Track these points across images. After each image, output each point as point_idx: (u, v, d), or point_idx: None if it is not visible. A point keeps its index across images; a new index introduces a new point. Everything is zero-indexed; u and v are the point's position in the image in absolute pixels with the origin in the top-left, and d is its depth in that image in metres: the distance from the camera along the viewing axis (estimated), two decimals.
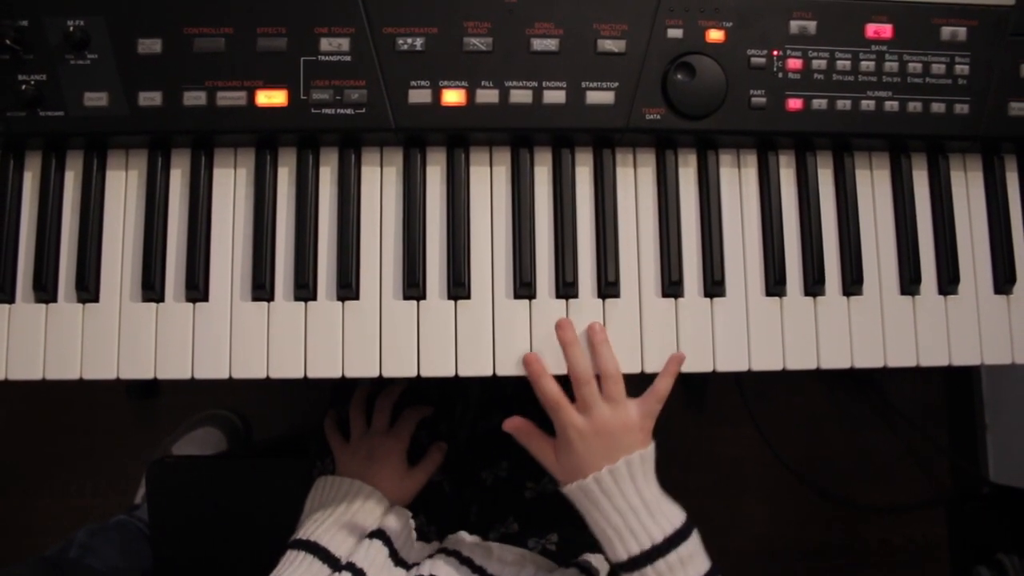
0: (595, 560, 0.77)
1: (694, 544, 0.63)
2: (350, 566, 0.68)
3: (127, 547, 1.02)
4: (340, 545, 0.71)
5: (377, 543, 0.71)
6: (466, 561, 0.69)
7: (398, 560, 0.71)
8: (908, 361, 0.72)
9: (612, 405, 0.66)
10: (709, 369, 0.70)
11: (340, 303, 0.68)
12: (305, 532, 0.72)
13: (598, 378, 0.67)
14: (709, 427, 1.52)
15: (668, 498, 0.65)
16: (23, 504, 1.46)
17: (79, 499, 1.46)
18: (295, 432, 1.46)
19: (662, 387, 0.68)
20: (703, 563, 0.63)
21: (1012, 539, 1.36)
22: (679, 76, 0.68)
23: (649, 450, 0.66)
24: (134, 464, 1.45)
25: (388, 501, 0.76)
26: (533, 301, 0.69)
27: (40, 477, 1.46)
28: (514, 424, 0.69)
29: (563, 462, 0.66)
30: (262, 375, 0.67)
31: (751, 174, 0.73)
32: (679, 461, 1.49)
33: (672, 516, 0.64)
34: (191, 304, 0.68)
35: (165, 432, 1.45)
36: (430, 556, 0.71)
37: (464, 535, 0.76)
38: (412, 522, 0.77)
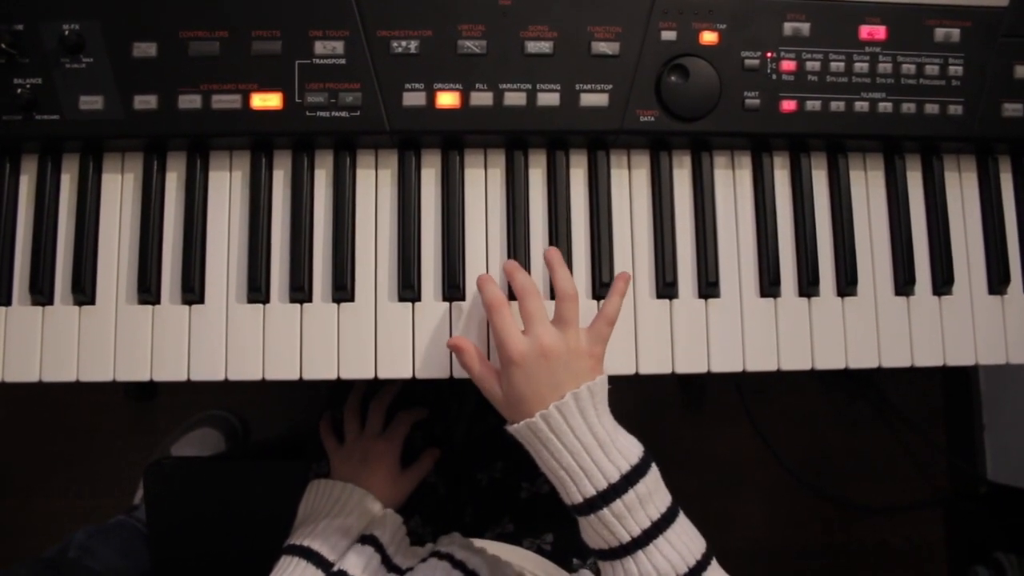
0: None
1: (652, 481, 0.59)
2: (341, 573, 0.68)
3: (126, 548, 1.03)
4: (333, 550, 0.70)
5: (368, 549, 0.71)
6: (459, 565, 0.69)
7: (391, 566, 0.71)
8: (903, 362, 0.72)
9: (561, 326, 0.61)
10: (704, 370, 0.70)
11: (335, 305, 0.69)
12: (298, 537, 0.72)
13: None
14: (707, 427, 1.52)
15: (623, 432, 0.61)
16: (22, 505, 1.46)
17: (78, 500, 1.46)
18: (294, 433, 1.46)
19: (611, 309, 0.64)
20: (662, 500, 0.59)
21: (1010, 539, 1.37)
22: (673, 78, 0.68)
23: (599, 381, 0.60)
24: (133, 465, 1.45)
25: (381, 504, 0.77)
26: None
27: (39, 478, 1.47)
28: (456, 342, 0.64)
29: (507, 392, 0.61)
30: (258, 377, 0.67)
31: (745, 175, 0.73)
32: (677, 461, 1.49)
33: (628, 452, 0.59)
34: (187, 306, 0.68)
35: (164, 433, 1.46)
36: (423, 560, 0.71)
37: (458, 536, 0.76)
38: (403, 527, 0.76)
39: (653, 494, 0.59)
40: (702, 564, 0.57)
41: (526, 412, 0.59)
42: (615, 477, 0.57)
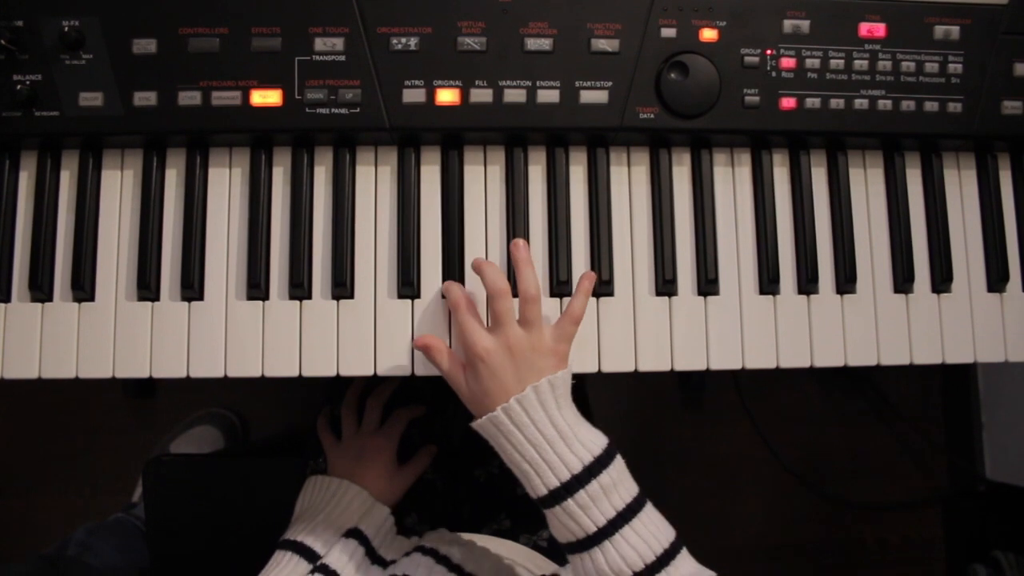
0: None
1: (616, 471, 0.59)
2: (323, 567, 0.68)
3: (125, 545, 1.03)
4: (325, 545, 0.70)
5: (352, 543, 0.71)
6: (443, 560, 0.69)
7: (375, 558, 0.71)
8: (901, 359, 0.72)
9: (527, 327, 0.62)
10: (703, 367, 0.70)
11: (335, 302, 0.69)
12: (292, 532, 0.72)
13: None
14: (706, 425, 1.52)
15: (587, 425, 0.61)
16: (22, 503, 1.46)
17: (77, 497, 1.46)
18: (293, 430, 1.46)
19: (576, 307, 0.64)
20: (628, 490, 0.59)
21: (1008, 537, 1.37)
22: (673, 75, 0.68)
23: (561, 375, 0.61)
24: (132, 462, 1.45)
25: (374, 500, 0.77)
26: None
27: (38, 476, 1.47)
28: (425, 341, 0.64)
29: (472, 388, 0.62)
30: (257, 374, 0.67)
31: (745, 173, 0.73)
32: (676, 459, 1.49)
33: (590, 444, 0.59)
34: (186, 303, 0.68)
35: (163, 431, 1.46)
36: (407, 553, 0.71)
37: (444, 532, 0.75)
38: (391, 520, 0.76)
39: (618, 484, 0.59)
40: (670, 553, 0.58)
41: (490, 407, 0.60)
42: (578, 468, 0.58)
